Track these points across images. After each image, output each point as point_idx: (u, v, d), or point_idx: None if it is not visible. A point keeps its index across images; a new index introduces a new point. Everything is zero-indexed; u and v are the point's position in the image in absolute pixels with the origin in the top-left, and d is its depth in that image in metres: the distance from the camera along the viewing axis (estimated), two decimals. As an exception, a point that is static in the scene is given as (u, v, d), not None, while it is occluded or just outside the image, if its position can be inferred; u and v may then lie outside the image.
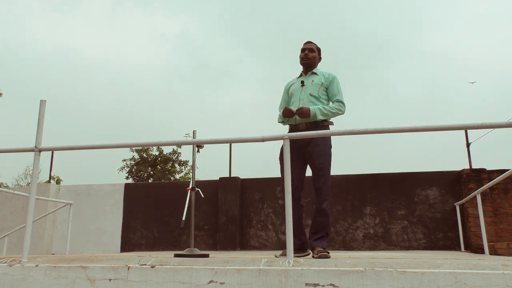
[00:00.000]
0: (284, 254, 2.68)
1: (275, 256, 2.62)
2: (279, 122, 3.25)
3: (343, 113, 3.11)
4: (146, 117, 42.18)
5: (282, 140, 2.62)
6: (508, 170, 3.92)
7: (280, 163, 3.05)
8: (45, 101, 2.91)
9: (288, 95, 3.26)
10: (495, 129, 4.87)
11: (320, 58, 3.28)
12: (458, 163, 28.19)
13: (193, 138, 3.52)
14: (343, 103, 3.09)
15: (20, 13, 50.46)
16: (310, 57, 3.16)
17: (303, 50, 3.19)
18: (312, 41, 3.24)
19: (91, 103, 46.90)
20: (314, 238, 2.92)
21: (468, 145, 7.14)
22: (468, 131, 7.09)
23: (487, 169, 6.51)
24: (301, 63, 3.20)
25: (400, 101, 52.27)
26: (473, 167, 6.71)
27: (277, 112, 3.31)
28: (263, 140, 2.68)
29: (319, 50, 3.26)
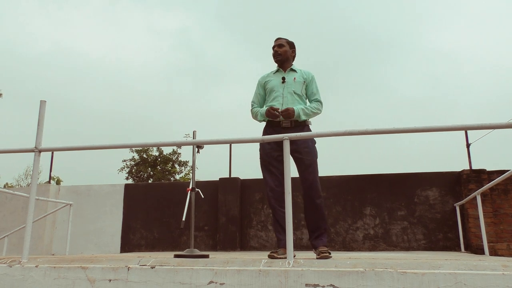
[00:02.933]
0: (283, 253, 2.67)
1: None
2: (255, 119, 3.17)
3: (321, 113, 3.15)
4: (146, 117, 42.22)
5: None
6: (508, 170, 3.92)
7: (261, 163, 3.04)
8: (45, 101, 2.91)
9: (264, 90, 3.21)
10: (495, 130, 4.87)
11: (293, 52, 3.24)
12: (458, 164, 28.21)
13: (193, 138, 3.52)
14: (321, 102, 3.14)
15: (19, 12, 50.47)
16: (280, 52, 3.15)
17: (273, 47, 3.20)
18: (282, 37, 3.23)
19: (91, 102, 46.93)
20: (315, 236, 2.90)
21: (468, 145, 7.14)
22: (468, 131, 7.10)
23: (487, 169, 6.51)
24: (275, 61, 3.19)
25: (400, 100, 52.29)
26: (473, 167, 6.70)
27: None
28: (263, 140, 2.69)
29: (290, 44, 3.22)
